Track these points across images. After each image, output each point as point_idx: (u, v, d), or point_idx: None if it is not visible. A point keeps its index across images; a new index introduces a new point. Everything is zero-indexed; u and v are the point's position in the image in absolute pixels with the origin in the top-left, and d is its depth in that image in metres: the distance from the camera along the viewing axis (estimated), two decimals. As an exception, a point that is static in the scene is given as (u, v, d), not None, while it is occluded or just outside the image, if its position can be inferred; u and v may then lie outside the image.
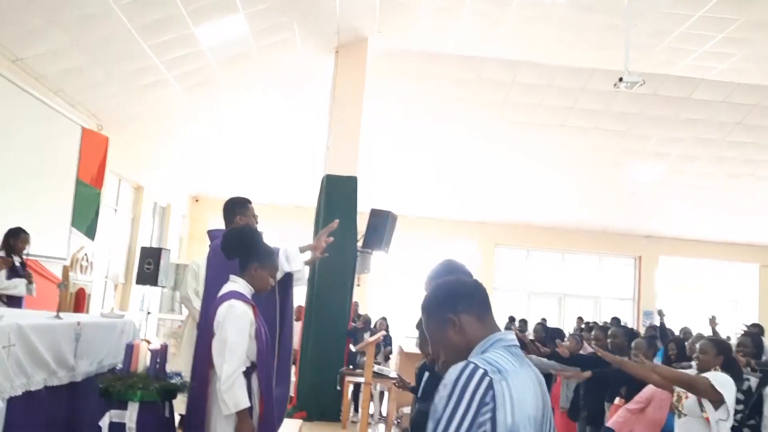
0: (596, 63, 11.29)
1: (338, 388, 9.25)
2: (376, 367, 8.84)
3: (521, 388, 1.80)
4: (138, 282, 11.91)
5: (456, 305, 1.93)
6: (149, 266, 11.61)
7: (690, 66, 11.09)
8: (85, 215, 9.99)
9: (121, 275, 13.07)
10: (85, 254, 10.54)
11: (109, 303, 12.27)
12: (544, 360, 7.02)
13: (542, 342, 8.37)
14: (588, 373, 6.02)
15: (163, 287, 12.39)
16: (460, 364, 1.79)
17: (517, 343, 1.93)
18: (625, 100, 12.30)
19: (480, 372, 1.76)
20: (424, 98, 12.67)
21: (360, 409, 9.36)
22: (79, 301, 8.98)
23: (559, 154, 14.32)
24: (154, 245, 13.84)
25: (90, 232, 10.11)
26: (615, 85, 8.66)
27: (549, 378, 7.72)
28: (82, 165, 9.95)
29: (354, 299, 10.67)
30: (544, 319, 11.64)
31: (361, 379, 8.78)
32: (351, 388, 9.91)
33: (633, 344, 5.63)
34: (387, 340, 10.87)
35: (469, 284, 2.02)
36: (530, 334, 9.54)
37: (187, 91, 11.10)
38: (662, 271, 19.02)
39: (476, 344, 1.89)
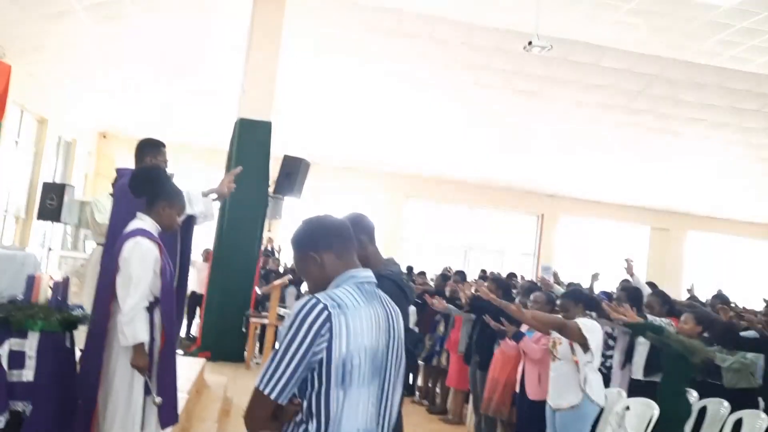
0: (510, 24, 11.55)
1: (243, 330, 9.40)
2: (281, 310, 9.05)
3: (359, 322, 2.01)
4: (39, 217, 11.58)
5: (317, 243, 2.13)
6: (52, 202, 11.29)
7: (599, 33, 11.52)
8: (-16, 146, 9.60)
9: (22, 210, 12.65)
10: (-16, 186, 10.17)
11: (9, 237, 11.89)
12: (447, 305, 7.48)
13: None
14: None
15: (66, 224, 12.08)
16: (305, 298, 2.02)
17: (372, 281, 2.14)
18: (536, 63, 12.63)
19: (320, 306, 1.97)
20: (341, 47, 12.64)
21: (264, 351, 9.56)
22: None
23: (471, 110, 14.64)
24: (58, 181, 13.41)
25: (-11, 164, 9.75)
26: (524, 47, 8.95)
27: (448, 322, 8.15)
28: (-19, 93, 9.49)
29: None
30: (448, 269, 12.09)
31: (266, 321, 8.97)
32: (258, 330, 10.09)
33: (532, 297, 5.87)
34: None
35: (331, 224, 2.19)
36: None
37: (97, 24, 10.69)
38: (562, 229, 19.94)
39: (333, 279, 2.11)
